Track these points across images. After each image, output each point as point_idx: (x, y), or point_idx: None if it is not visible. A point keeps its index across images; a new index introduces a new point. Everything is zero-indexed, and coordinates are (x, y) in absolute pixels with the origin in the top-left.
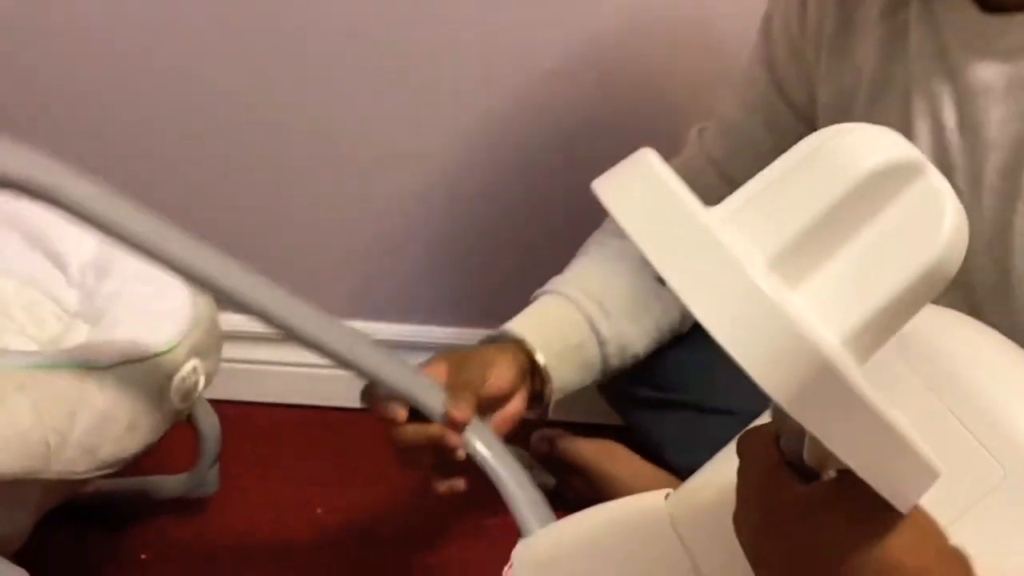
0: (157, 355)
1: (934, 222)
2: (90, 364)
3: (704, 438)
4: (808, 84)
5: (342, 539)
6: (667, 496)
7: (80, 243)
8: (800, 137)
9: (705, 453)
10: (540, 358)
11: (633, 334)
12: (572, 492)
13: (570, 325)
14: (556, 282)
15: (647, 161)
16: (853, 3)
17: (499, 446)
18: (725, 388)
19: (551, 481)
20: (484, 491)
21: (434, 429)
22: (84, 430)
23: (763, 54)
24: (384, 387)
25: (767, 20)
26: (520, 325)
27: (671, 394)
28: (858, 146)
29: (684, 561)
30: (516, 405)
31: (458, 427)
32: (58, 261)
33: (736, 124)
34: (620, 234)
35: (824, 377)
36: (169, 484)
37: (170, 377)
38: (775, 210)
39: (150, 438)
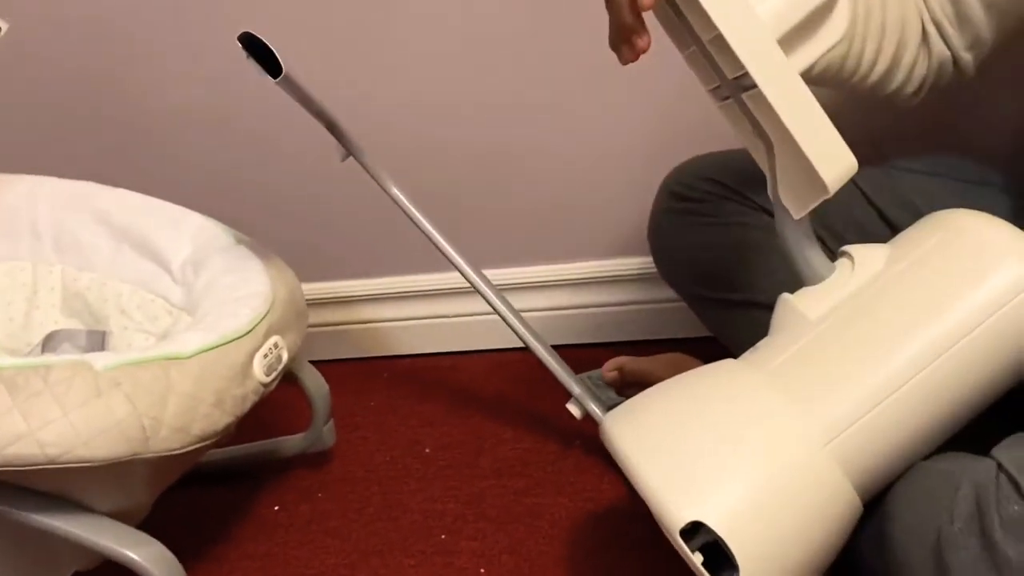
0: (236, 338)
1: None
2: (174, 355)
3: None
4: None
5: (446, 472)
6: None
7: (179, 245)
8: None
9: None
10: None
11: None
12: None
13: None
14: None
15: None
16: None
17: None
18: (784, 285)
19: None
20: (560, 424)
21: None
22: (175, 412)
23: None
24: None
25: None
26: None
27: (738, 294)
28: None
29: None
30: None
31: None
32: (163, 263)
33: None
34: None
35: None
36: (290, 443)
37: (252, 355)
38: None
39: (239, 410)
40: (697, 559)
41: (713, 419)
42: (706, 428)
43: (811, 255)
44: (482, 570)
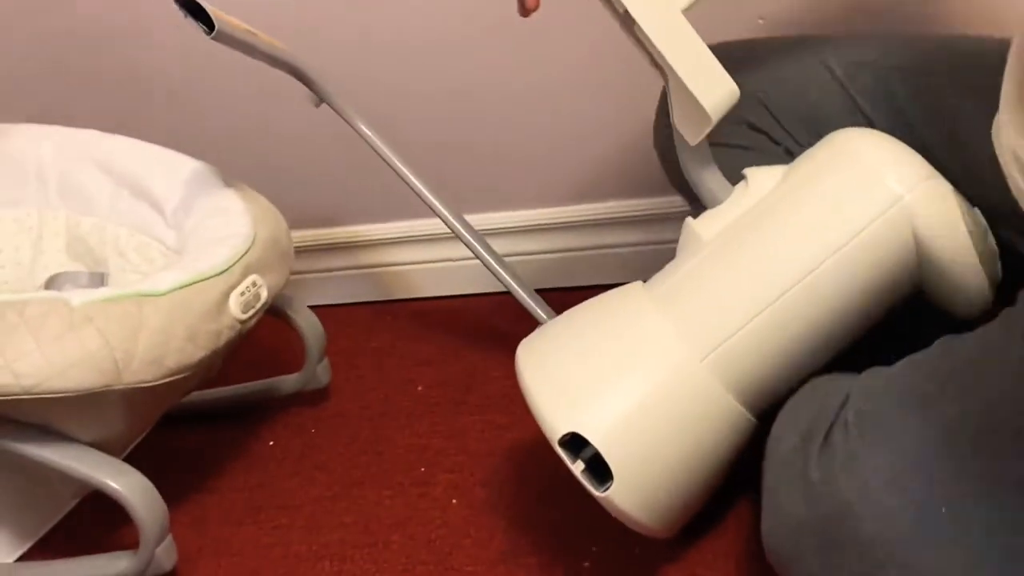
0: (211, 276)
1: None
2: (147, 292)
3: None
4: None
5: (437, 408)
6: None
7: (173, 190)
8: None
9: None
10: None
11: None
12: None
13: None
14: None
15: None
16: None
17: None
18: None
19: None
20: None
21: None
22: (147, 346)
23: None
24: None
25: None
26: None
27: None
28: None
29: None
30: None
31: None
32: (158, 207)
33: None
34: None
35: None
36: (286, 382)
37: (227, 293)
38: None
39: (214, 345)
40: (578, 467)
41: (599, 341)
42: (591, 349)
43: (710, 179)
44: (454, 500)
